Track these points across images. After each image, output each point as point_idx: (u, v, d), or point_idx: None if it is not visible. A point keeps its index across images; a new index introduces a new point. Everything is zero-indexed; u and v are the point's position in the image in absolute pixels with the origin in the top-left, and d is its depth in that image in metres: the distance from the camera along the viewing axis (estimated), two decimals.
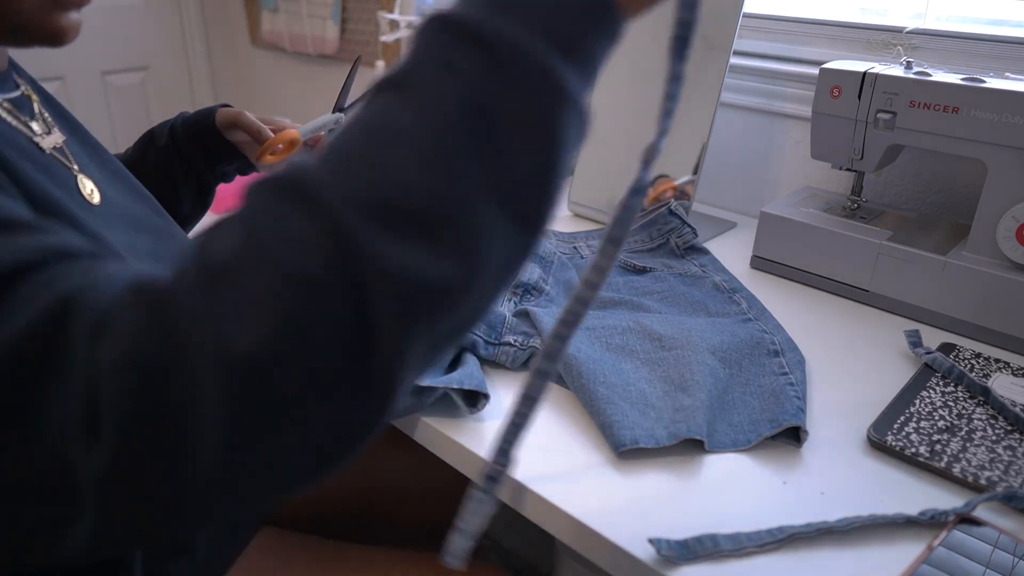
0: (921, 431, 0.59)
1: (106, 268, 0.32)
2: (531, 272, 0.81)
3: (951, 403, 0.63)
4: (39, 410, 0.29)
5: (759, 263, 0.90)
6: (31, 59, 0.63)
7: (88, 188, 0.52)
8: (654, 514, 0.51)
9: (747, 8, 1.01)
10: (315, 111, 1.95)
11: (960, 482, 0.54)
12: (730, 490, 0.54)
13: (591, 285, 0.43)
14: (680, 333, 0.69)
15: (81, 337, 0.29)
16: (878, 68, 0.80)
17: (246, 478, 0.29)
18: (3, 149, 0.43)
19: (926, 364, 0.68)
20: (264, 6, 1.88)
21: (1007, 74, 0.76)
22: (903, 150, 0.89)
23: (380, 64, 1.58)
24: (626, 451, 0.56)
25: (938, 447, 0.57)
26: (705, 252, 0.89)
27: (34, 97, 0.54)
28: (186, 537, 0.31)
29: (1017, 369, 0.68)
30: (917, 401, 0.63)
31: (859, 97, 0.81)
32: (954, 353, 0.71)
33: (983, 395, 0.63)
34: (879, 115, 0.79)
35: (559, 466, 0.56)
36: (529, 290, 0.79)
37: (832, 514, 0.51)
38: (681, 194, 0.99)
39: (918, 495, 0.53)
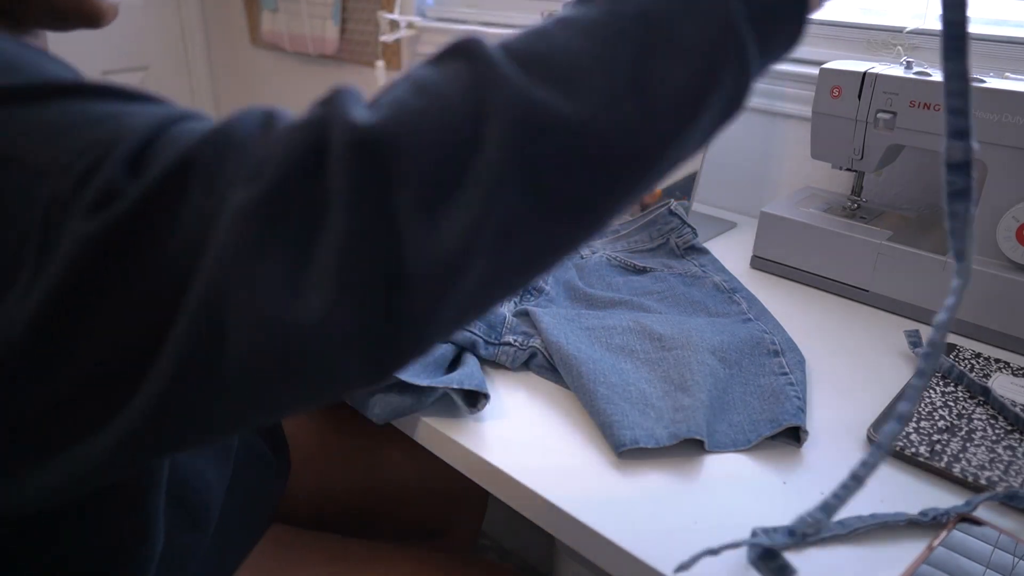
0: (921, 431, 0.59)
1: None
2: None
3: (951, 403, 0.63)
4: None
5: (759, 263, 0.90)
6: None
7: None
8: (654, 514, 0.51)
9: None
10: None
11: (960, 482, 0.54)
12: (730, 490, 0.54)
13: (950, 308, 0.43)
14: (680, 333, 0.69)
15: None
16: (878, 68, 0.80)
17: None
18: None
19: None
20: (264, 6, 1.88)
21: (1007, 74, 0.76)
22: (903, 150, 0.89)
23: (380, 64, 1.58)
24: (626, 451, 0.56)
25: (938, 447, 0.57)
26: (705, 252, 0.89)
27: None
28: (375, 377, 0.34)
29: (1017, 369, 0.68)
30: None
31: (859, 97, 0.81)
32: (954, 353, 0.71)
33: (983, 395, 0.63)
34: (879, 115, 0.79)
35: (559, 466, 0.56)
36: (529, 290, 0.79)
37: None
38: (680, 193, 0.99)
39: (918, 495, 0.53)
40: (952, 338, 0.75)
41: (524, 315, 0.73)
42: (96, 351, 0.30)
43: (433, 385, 0.59)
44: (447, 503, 0.89)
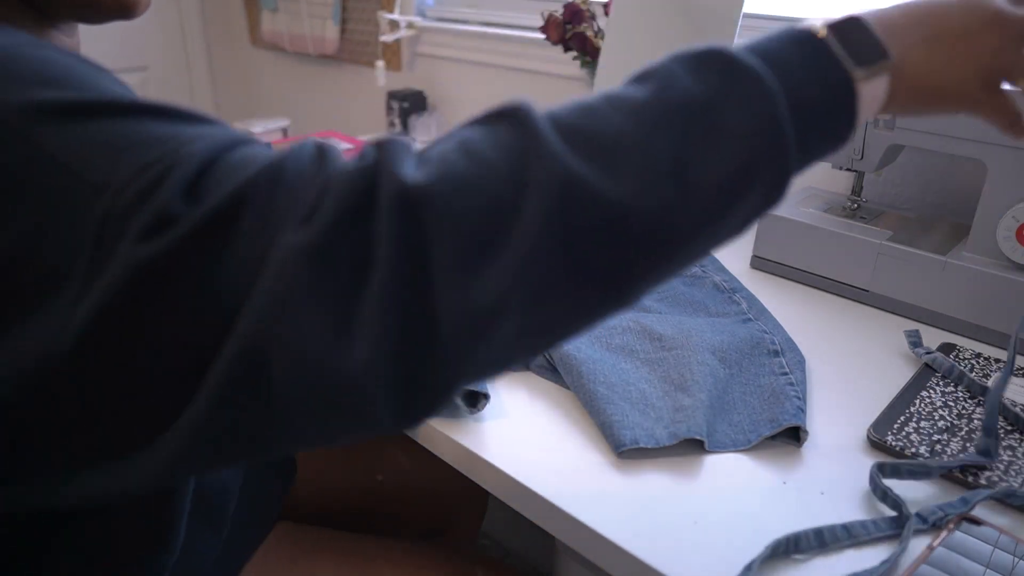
0: (921, 431, 0.59)
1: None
2: None
3: (951, 403, 0.63)
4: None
5: (759, 263, 0.90)
6: None
7: None
8: (654, 514, 0.51)
9: (747, 8, 1.01)
10: (314, 111, 1.95)
11: (960, 482, 0.54)
12: (730, 490, 0.54)
13: None
14: (680, 333, 0.69)
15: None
16: None
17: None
18: None
19: (926, 364, 0.68)
20: (264, 6, 1.88)
21: None
22: (903, 150, 0.89)
23: (380, 64, 1.58)
24: (626, 451, 0.56)
25: (938, 447, 0.57)
26: None
27: None
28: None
29: (1017, 369, 0.68)
30: (917, 401, 0.63)
31: None
32: (954, 353, 0.71)
33: (984, 395, 0.63)
34: (879, 115, 0.79)
35: (559, 466, 0.56)
36: None
37: (832, 514, 0.51)
38: None
39: (918, 495, 0.53)
40: (952, 338, 0.75)
41: None
42: (139, 373, 0.31)
43: None
44: (447, 503, 0.89)
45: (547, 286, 0.32)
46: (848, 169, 0.86)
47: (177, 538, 0.48)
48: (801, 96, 0.35)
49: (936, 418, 0.61)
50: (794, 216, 0.87)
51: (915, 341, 0.72)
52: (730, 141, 0.34)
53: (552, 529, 0.53)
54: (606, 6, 1.13)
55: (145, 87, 2.16)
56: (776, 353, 0.69)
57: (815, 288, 0.86)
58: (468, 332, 0.31)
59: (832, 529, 0.49)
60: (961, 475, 0.54)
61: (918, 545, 0.49)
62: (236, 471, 0.61)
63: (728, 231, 0.36)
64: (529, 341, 0.33)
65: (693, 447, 0.57)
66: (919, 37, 0.42)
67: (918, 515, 0.50)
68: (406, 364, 0.31)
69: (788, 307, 0.81)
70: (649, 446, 0.56)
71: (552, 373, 0.67)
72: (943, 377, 0.67)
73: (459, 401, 0.62)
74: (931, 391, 0.64)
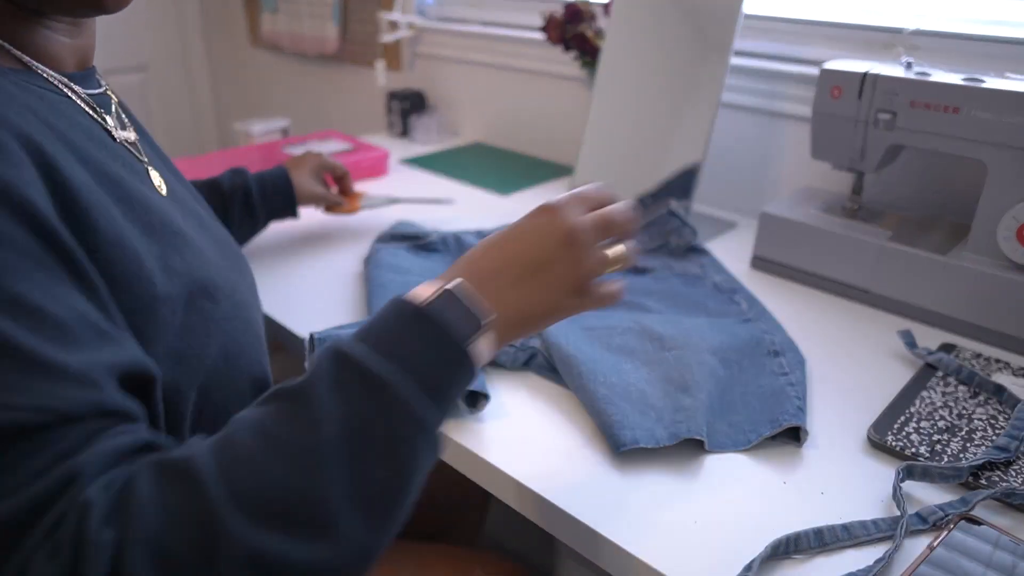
0: (921, 431, 0.59)
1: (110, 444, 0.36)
2: None
3: (951, 403, 0.63)
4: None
5: (759, 263, 0.90)
6: None
7: (157, 181, 0.53)
8: (654, 514, 0.51)
9: (747, 8, 1.01)
10: (314, 111, 1.95)
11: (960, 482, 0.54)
12: (730, 490, 0.54)
13: None
14: (680, 333, 0.69)
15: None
16: (878, 68, 0.80)
17: None
18: (74, 133, 0.44)
19: (927, 364, 0.68)
20: (264, 7, 1.88)
21: (1007, 74, 0.76)
22: (903, 150, 0.89)
23: (380, 64, 1.58)
24: (626, 451, 0.56)
25: (938, 447, 0.57)
26: (705, 252, 0.89)
27: (115, 97, 0.54)
28: None
29: (1017, 369, 0.68)
30: (917, 401, 0.63)
31: (859, 97, 0.81)
32: (954, 353, 0.71)
33: (996, 393, 0.63)
34: (879, 115, 0.79)
35: (559, 466, 0.56)
36: None
37: (832, 514, 0.51)
38: (680, 193, 1.00)
39: (918, 495, 0.53)
40: (952, 338, 0.75)
41: None
42: None
43: None
44: (448, 503, 0.89)
45: None
46: (848, 169, 0.86)
47: None
48: (430, 379, 0.40)
49: (936, 418, 0.61)
50: (794, 216, 0.87)
51: (909, 341, 0.72)
52: (389, 452, 0.37)
53: (552, 529, 0.53)
54: (606, 6, 1.13)
55: (145, 87, 2.16)
56: (776, 353, 0.69)
57: (815, 288, 0.86)
58: None
59: (832, 529, 0.49)
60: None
61: (918, 545, 0.49)
62: None
63: (415, 489, 0.39)
64: None
65: (693, 447, 0.57)
66: (507, 282, 0.46)
67: (918, 515, 0.51)
68: None
69: (788, 307, 0.81)
70: (649, 446, 0.56)
71: (552, 373, 0.67)
72: (949, 376, 0.66)
73: (459, 401, 0.62)
74: (931, 391, 0.64)
